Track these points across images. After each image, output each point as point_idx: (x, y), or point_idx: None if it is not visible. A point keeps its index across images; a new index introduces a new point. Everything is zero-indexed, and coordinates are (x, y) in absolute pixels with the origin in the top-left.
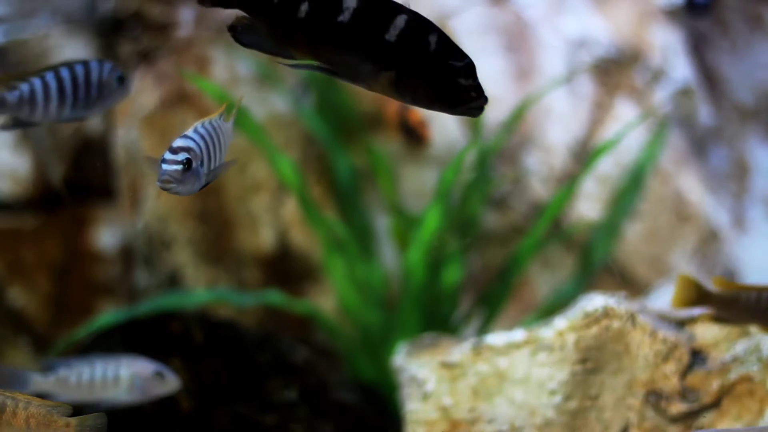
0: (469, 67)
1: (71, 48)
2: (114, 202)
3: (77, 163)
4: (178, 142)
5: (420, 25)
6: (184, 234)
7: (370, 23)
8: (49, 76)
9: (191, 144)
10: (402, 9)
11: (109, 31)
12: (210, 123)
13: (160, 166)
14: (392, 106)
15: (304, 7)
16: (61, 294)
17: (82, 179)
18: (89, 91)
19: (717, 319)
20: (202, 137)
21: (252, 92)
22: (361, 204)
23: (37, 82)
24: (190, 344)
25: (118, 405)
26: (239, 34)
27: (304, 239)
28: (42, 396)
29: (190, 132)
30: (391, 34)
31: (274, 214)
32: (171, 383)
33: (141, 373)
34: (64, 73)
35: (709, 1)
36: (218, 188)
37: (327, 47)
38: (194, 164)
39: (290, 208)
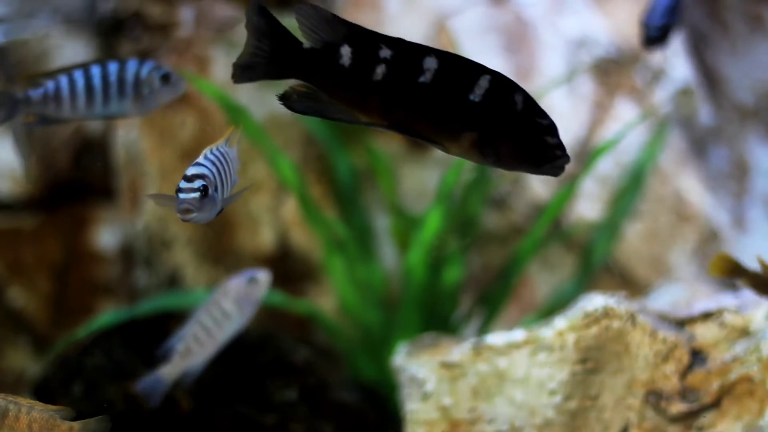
0: (554, 126)
1: (71, 48)
2: (114, 202)
3: (77, 163)
4: (192, 170)
5: (504, 84)
6: (184, 234)
7: (453, 84)
8: (77, 74)
9: (205, 171)
10: (484, 69)
11: (109, 31)
12: (218, 149)
13: (177, 195)
14: None
15: (380, 70)
16: (61, 294)
17: (82, 179)
18: (123, 89)
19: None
20: (213, 163)
21: (252, 92)
22: (361, 204)
23: (63, 80)
24: None
25: (239, 331)
26: (294, 102)
27: (304, 239)
28: None
29: (201, 159)
30: (476, 95)
31: (274, 214)
32: (265, 281)
33: (238, 290)
34: (94, 71)
35: (663, 33)
36: None
37: (405, 110)
38: (210, 190)
39: (290, 208)
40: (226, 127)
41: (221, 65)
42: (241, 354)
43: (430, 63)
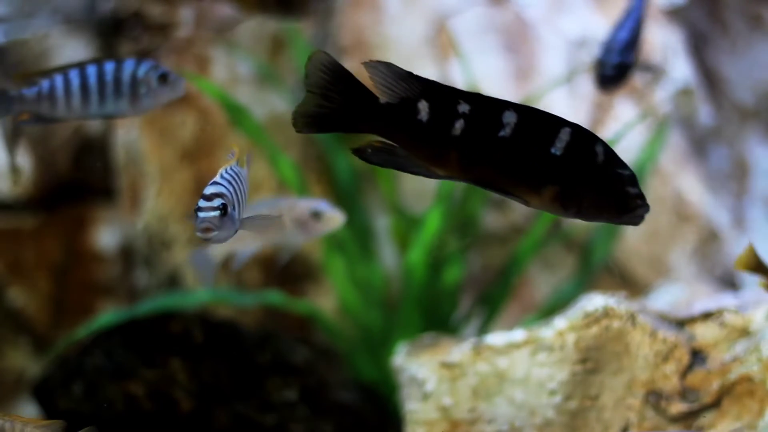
0: (634, 176)
1: (71, 48)
2: (114, 202)
3: (77, 163)
4: (211, 189)
5: (585, 136)
6: (184, 234)
7: (534, 138)
8: (73, 73)
9: (223, 190)
10: (564, 121)
11: (109, 31)
12: (232, 169)
13: (197, 215)
14: None
15: (459, 125)
16: (61, 294)
17: (82, 179)
18: (119, 88)
19: None
20: (230, 182)
21: (252, 92)
22: (361, 204)
23: (58, 79)
24: (190, 344)
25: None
26: (369, 155)
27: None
28: None
29: (218, 178)
30: (557, 148)
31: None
32: (329, 221)
33: (301, 216)
34: (90, 70)
35: (621, 72)
36: None
37: (485, 165)
38: (229, 209)
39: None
40: (227, 128)
41: (221, 65)
42: (241, 354)
43: (510, 117)
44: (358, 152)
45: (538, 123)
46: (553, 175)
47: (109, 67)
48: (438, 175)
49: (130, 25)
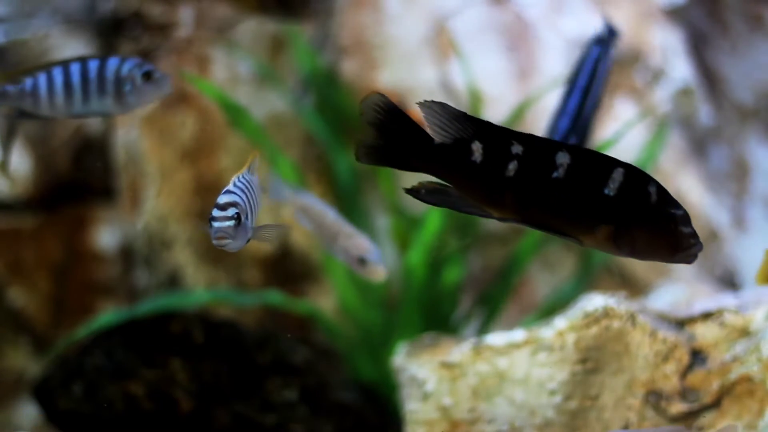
0: (687, 215)
1: (71, 48)
2: (114, 202)
3: (77, 163)
4: (224, 198)
5: (638, 176)
6: (184, 234)
7: (588, 179)
8: (56, 71)
9: (236, 198)
10: (617, 162)
11: (109, 31)
12: (243, 177)
13: (211, 224)
14: None
15: (512, 167)
16: (61, 294)
17: (82, 179)
18: (103, 87)
19: None
20: (242, 191)
21: (252, 92)
22: (361, 204)
23: (42, 76)
24: (190, 344)
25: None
26: (423, 195)
27: (304, 239)
28: None
29: (231, 187)
30: (611, 188)
31: (274, 214)
32: (373, 272)
33: (348, 254)
34: (74, 68)
35: None
36: (218, 188)
37: (538, 205)
38: (243, 218)
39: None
40: (227, 128)
41: (221, 65)
42: (241, 354)
43: (563, 158)
44: (412, 192)
45: (591, 163)
46: (607, 215)
47: (93, 64)
48: (492, 215)
49: (130, 25)
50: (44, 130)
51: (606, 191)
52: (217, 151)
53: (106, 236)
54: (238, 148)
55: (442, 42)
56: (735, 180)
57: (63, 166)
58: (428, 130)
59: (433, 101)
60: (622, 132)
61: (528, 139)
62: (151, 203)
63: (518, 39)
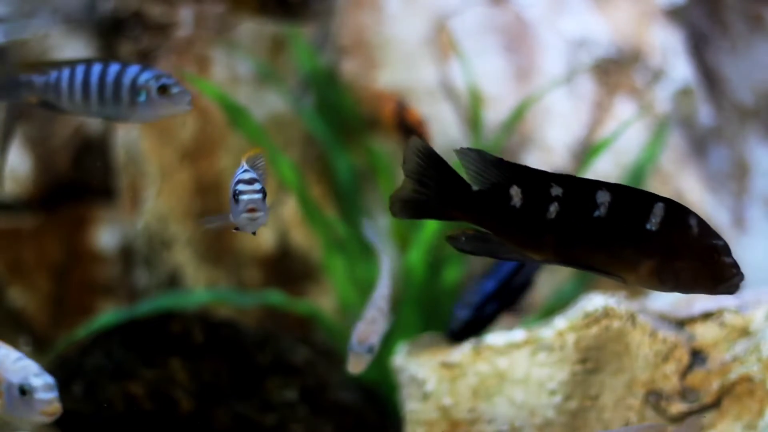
0: (727, 246)
1: (71, 48)
2: (114, 202)
3: (77, 163)
4: (246, 175)
5: (678, 210)
6: (184, 234)
7: (629, 215)
8: (79, 68)
9: (256, 176)
10: (656, 197)
11: (109, 31)
12: (248, 167)
13: (239, 199)
14: (388, 106)
15: (553, 209)
16: (61, 294)
17: (82, 179)
18: (118, 92)
19: None
20: (255, 171)
21: (252, 92)
22: (361, 204)
23: (65, 71)
24: (190, 344)
25: None
26: (462, 243)
27: (304, 239)
28: None
29: (244, 167)
30: (652, 223)
31: (274, 214)
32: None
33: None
34: (95, 69)
35: (467, 329)
36: (218, 188)
37: (581, 246)
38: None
39: (290, 208)
40: (227, 128)
41: (221, 65)
42: (241, 354)
43: (603, 197)
44: (452, 240)
45: (631, 200)
46: (650, 250)
47: (114, 68)
48: (533, 259)
49: (130, 25)
50: (44, 130)
51: (648, 226)
52: (217, 151)
53: (106, 236)
54: (238, 148)
55: (442, 42)
56: (735, 180)
57: (63, 166)
58: (465, 177)
59: (469, 148)
60: (619, 131)
61: (567, 180)
62: (151, 203)
63: (518, 39)
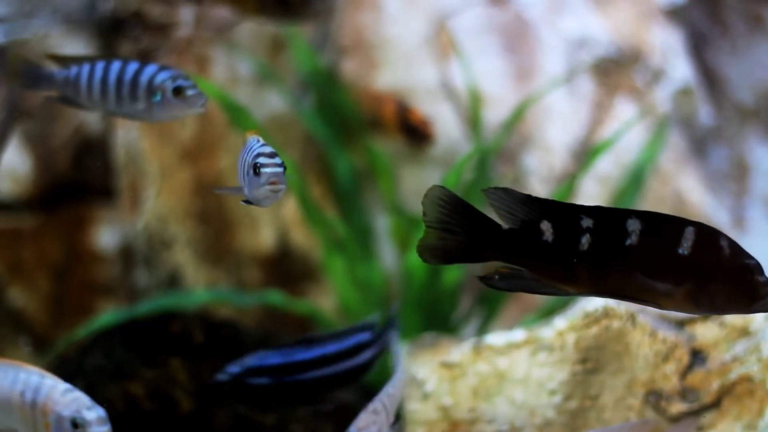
0: (759, 264)
1: (71, 48)
2: (114, 202)
3: (77, 163)
4: (266, 149)
5: (709, 233)
6: (184, 234)
7: (660, 241)
8: (99, 65)
9: (275, 150)
10: (686, 221)
11: (109, 31)
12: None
13: (261, 171)
14: (390, 106)
15: (584, 240)
16: (61, 294)
17: (82, 179)
18: (135, 91)
19: None
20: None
21: (252, 92)
22: (361, 204)
23: (85, 67)
24: (190, 344)
25: None
26: (498, 282)
27: (304, 239)
28: None
29: (262, 141)
30: (684, 248)
31: (274, 214)
32: None
33: None
34: (114, 66)
35: (229, 390)
36: (218, 188)
37: (615, 275)
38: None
39: (290, 208)
40: (227, 128)
41: (221, 65)
42: (241, 354)
43: (634, 225)
44: (486, 280)
45: (662, 226)
46: (684, 275)
47: (132, 67)
48: (569, 292)
49: (130, 25)
50: (44, 130)
51: (680, 251)
52: (217, 151)
53: (106, 236)
54: (238, 148)
55: (442, 42)
56: (735, 180)
57: (63, 166)
58: (494, 216)
59: (497, 188)
60: (621, 132)
61: (596, 211)
62: (151, 203)
63: (518, 39)
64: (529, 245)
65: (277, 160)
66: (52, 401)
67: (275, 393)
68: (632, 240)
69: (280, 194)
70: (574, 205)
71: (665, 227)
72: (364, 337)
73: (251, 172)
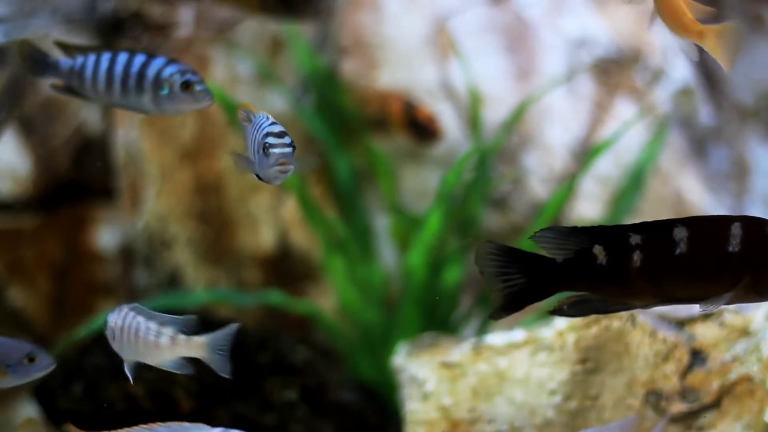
0: None
1: None
2: (114, 202)
3: (77, 163)
4: (276, 128)
5: (755, 224)
6: (184, 234)
7: (709, 244)
8: (105, 56)
9: (284, 129)
10: (728, 218)
11: (109, 31)
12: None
13: (270, 151)
14: (395, 105)
15: (636, 257)
16: (61, 294)
17: (82, 179)
18: (141, 84)
19: None
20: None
21: (252, 92)
22: (361, 204)
23: (91, 58)
24: None
25: None
26: (567, 311)
27: (304, 239)
28: None
29: (271, 119)
30: (734, 244)
31: (274, 214)
32: None
33: None
34: (120, 58)
35: None
36: (218, 188)
37: (673, 283)
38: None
39: (290, 208)
40: (227, 128)
41: (221, 65)
42: (241, 354)
43: (680, 233)
44: (556, 312)
45: (708, 228)
46: (740, 270)
47: (139, 59)
48: (636, 306)
49: (130, 25)
50: (44, 130)
51: (731, 249)
52: (217, 151)
53: (106, 236)
54: (238, 148)
55: (442, 42)
56: (735, 180)
57: (63, 166)
58: (544, 253)
59: (542, 229)
60: (621, 132)
61: (641, 227)
62: (151, 203)
63: (518, 39)
64: (586, 272)
65: (287, 140)
66: None
67: None
68: (682, 248)
69: (289, 174)
70: (620, 225)
71: (711, 228)
72: None
73: (261, 151)
